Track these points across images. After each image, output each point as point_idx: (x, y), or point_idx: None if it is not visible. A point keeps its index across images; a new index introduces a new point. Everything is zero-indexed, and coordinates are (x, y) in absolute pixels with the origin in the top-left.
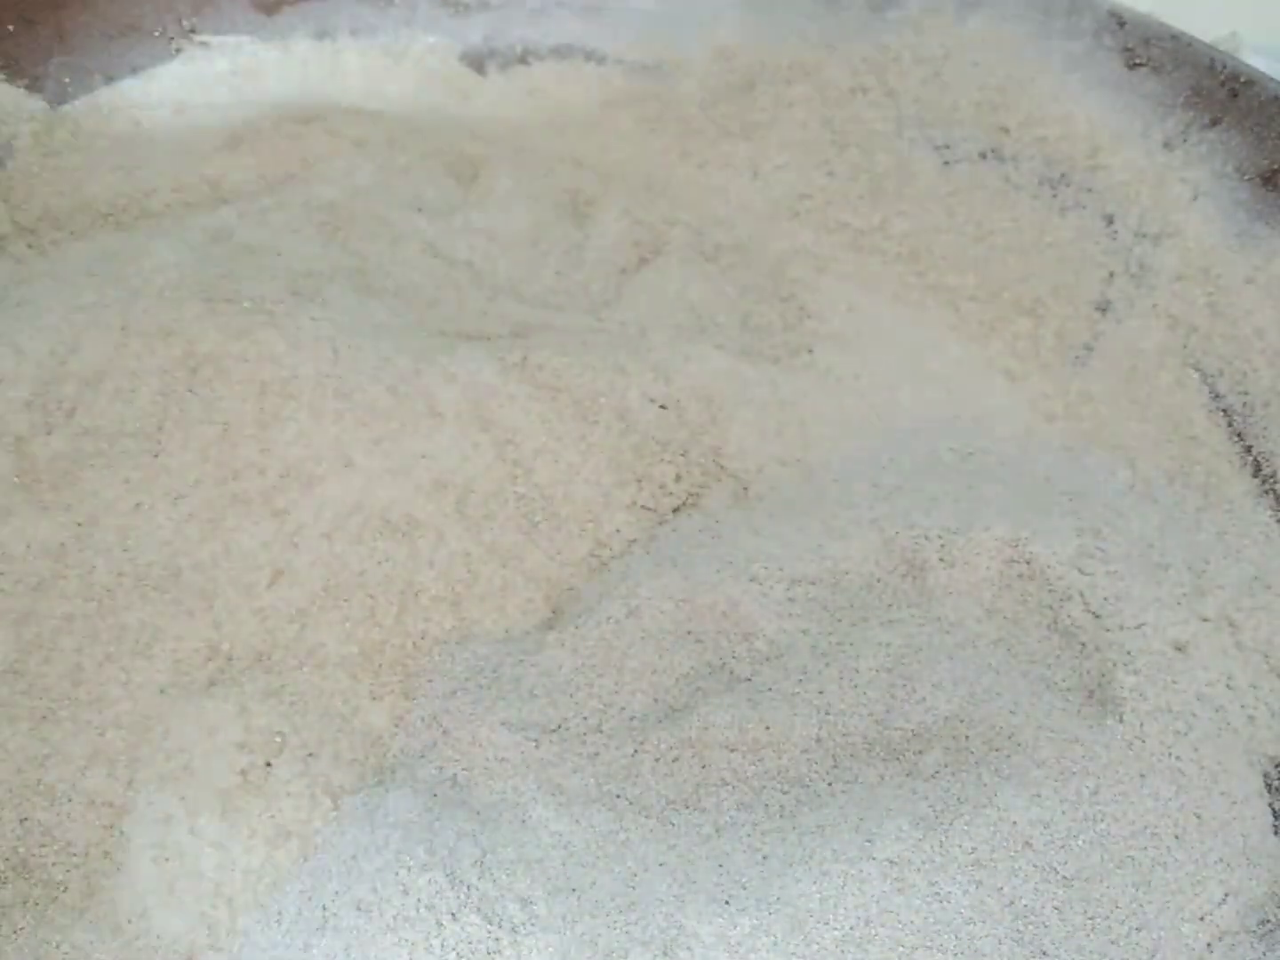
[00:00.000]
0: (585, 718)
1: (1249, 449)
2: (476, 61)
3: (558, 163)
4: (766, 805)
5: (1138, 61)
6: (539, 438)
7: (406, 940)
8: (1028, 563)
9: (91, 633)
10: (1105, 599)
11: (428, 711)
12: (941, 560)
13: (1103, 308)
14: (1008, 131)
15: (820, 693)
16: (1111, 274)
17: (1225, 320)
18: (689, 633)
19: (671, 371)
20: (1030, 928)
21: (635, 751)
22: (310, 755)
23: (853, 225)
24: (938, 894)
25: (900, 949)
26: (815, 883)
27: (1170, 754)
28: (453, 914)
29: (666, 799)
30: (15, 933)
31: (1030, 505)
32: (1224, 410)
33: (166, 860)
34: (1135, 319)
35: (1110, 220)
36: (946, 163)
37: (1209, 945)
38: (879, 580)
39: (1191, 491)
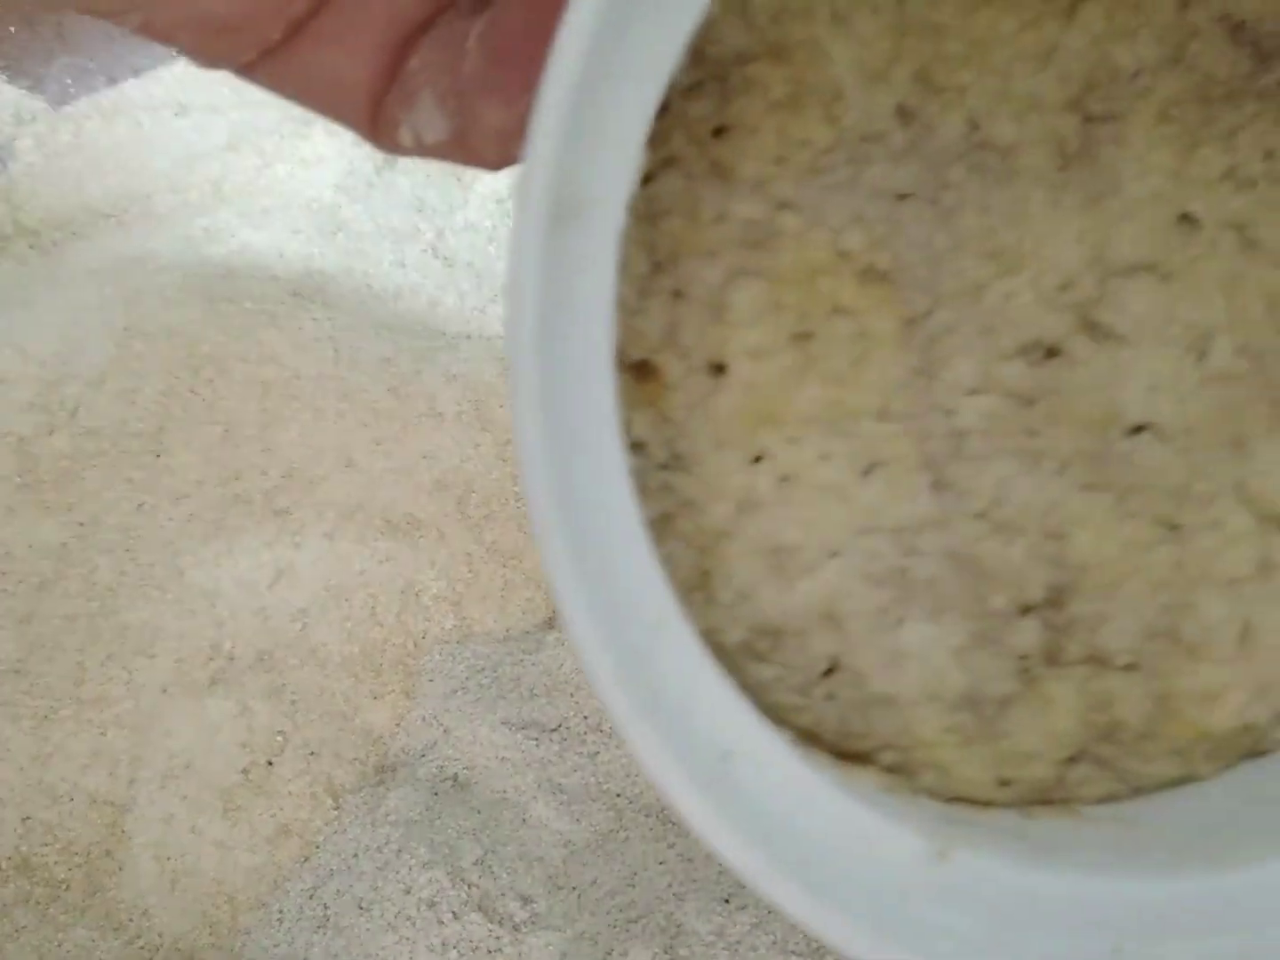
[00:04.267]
0: (585, 716)
1: None
2: None
3: None
4: None
5: None
6: None
7: (408, 939)
8: None
9: (94, 632)
10: None
11: (429, 710)
12: None
13: None
14: None
15: None
16: None
17: None
18: None
19: None
20: None
21: None
22: (311, 754)
23: None
24: None
25: None
26: None
27: None
28: (454, 912)
29: None
30: (17, 931)
31: None
32: None
33: (168, 859)
34: None
35: None
36: None
37: None
38: None
39: None
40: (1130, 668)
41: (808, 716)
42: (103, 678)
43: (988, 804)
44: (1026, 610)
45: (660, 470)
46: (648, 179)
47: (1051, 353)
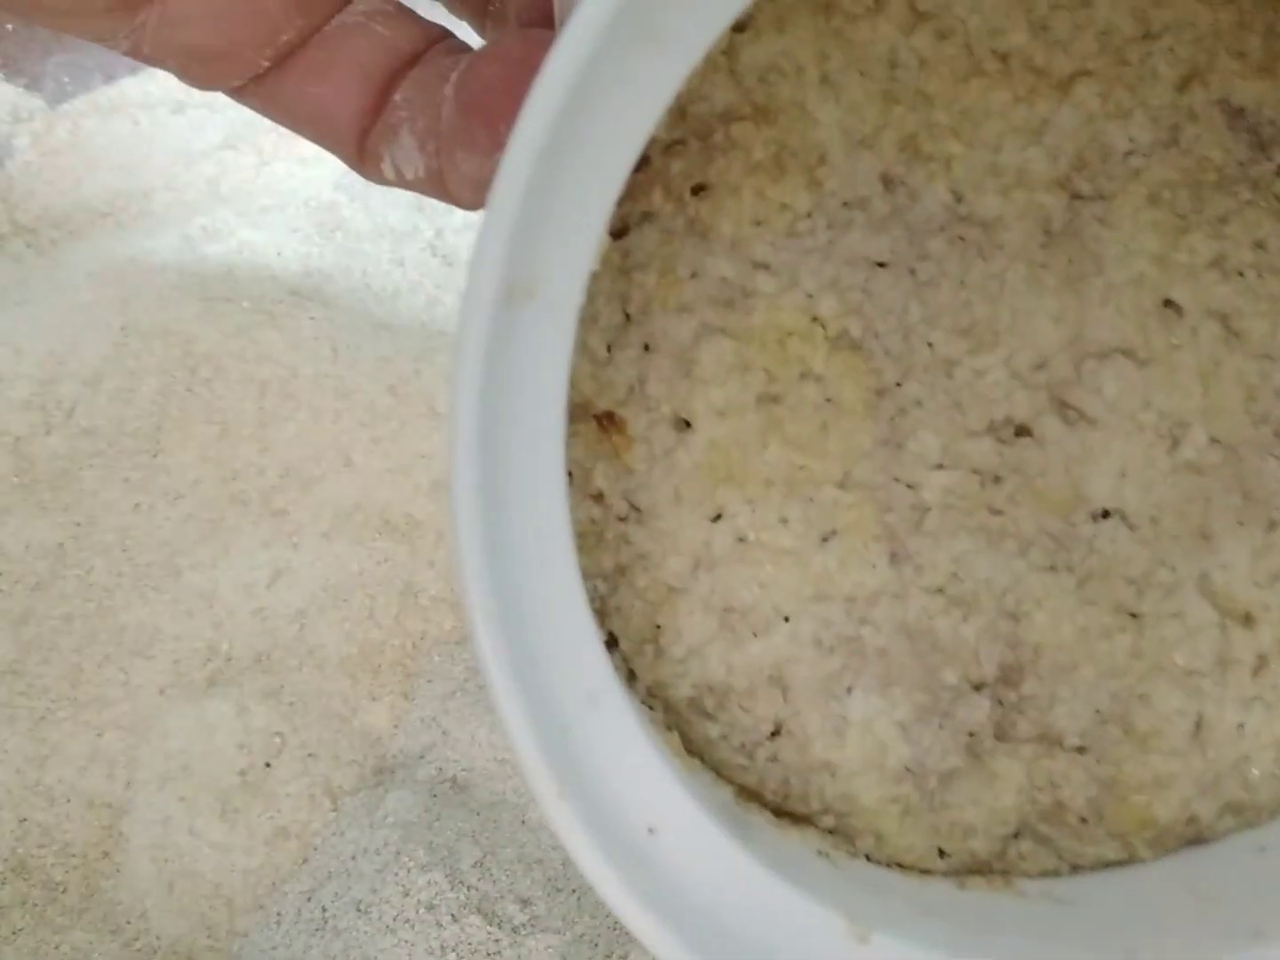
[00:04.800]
0: None
1: None
2: None
3: None
4: None
5: None
6: None
7: (406, 941)
8: None
9: (90, 633)
10: None
11: (427, 712)
12: None
13: None
14: None
15: None
16: None
17: None
18: None
19: None
20: None
21: None
22: (310, 756)
23: None
24: None
25: None
26: None
27: None
28: (453, 915)
29: None
30: (14, 933)
31: None
32: None
33: (166, 861)
34: None
35: None
36: None
37: None
38: None
39: None
40: (1080, 750)
41: (751, 776)
42: (100, 679)
43: (925, 872)
44: (979, 686)
45: (618, 522)
46: (624, 232)
47: (1021, 432)
